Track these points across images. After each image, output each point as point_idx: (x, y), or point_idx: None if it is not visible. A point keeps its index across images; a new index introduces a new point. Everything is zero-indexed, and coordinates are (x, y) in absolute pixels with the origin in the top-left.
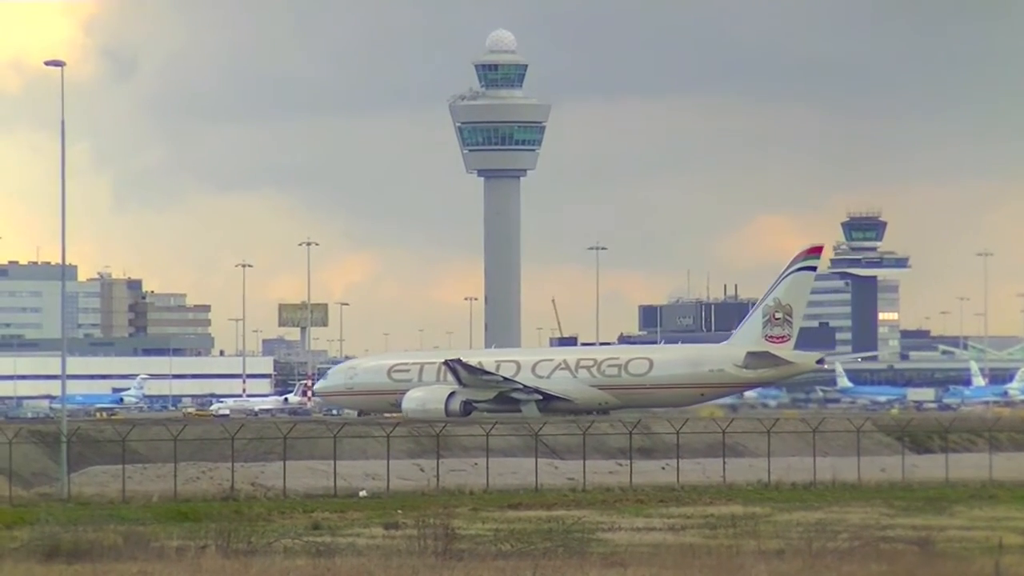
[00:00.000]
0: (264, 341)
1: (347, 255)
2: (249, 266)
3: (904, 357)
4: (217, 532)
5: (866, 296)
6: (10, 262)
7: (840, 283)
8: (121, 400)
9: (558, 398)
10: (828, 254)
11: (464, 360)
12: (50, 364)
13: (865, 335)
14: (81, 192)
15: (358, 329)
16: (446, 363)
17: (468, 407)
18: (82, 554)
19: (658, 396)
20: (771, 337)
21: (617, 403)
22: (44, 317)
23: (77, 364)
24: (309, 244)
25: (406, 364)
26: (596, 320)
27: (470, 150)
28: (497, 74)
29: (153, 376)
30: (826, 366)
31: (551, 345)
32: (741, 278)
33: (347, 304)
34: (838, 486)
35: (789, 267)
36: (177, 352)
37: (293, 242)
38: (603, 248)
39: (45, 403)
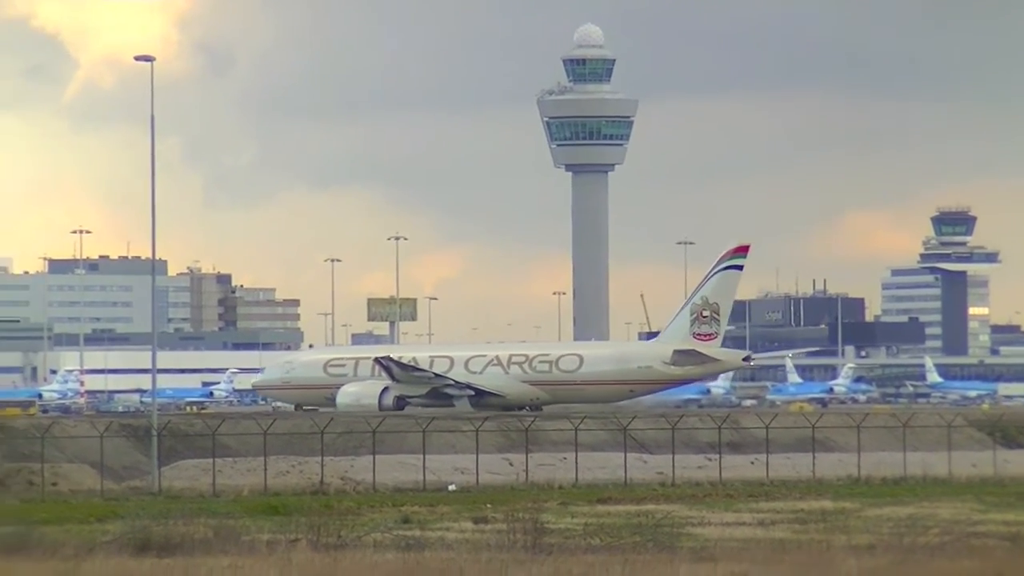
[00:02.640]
0: (353, 335)
1: (436, 250)
2: (338, 261)
3: (994, 352)
4: (307, 526)
5: (956, 291)
6: (101, 257)
7: (930, 278)
8: (211, 394)
9: (490, 393)
10: (917, 249)
11: (394, 357)
12: (141, 358)
13: (955, 330)
14: (172, 188)
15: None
16: (377, 360)
17: (401, 402)
18: (173, 548)
19: (588, 392)
20: (698, 335)
21: (548, 399)
22: (134, 312)
23: (167, 358)
24: (398, 239)
25: (342, 359)
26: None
27: (558, 145)
28: (585, 69)
29: (243, 370)
30: (752, 363)
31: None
32: (830, 273)
33: (436, 299)
34: (928, 481)
35: (716, 266)
36: (267, 346)
37: (382, 237)
38: (691, 243)
39: (136, 397)
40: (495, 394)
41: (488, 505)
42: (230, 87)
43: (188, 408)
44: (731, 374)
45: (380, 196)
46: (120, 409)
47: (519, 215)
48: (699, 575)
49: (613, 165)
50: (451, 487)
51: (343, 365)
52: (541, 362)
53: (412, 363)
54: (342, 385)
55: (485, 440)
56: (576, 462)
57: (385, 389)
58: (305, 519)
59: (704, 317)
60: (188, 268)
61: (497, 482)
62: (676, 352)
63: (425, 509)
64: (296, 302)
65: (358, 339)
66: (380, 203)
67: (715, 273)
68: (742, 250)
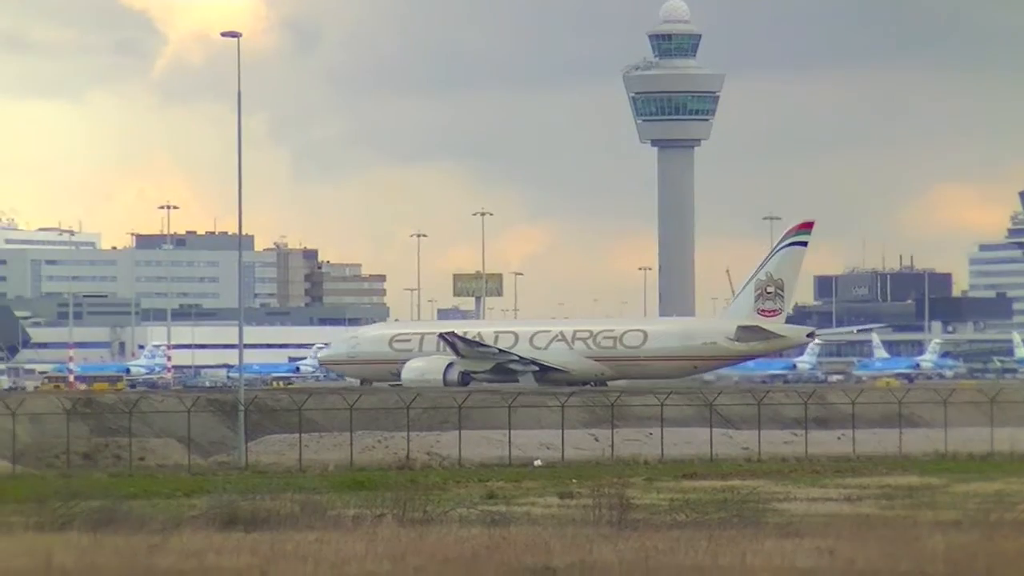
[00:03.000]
0: (439, 311)
1: (522, 226)
2: (424, 236)
3: None
4: (393, 501)
5: None
6: (188, 232)
7: (1018, 253)
8: (298, 369)
9: (555, 369)
10: (1006, 224)
11: (459, 333)
12: (227, 333)
13: None
14: (259, 163)
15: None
16: (441, 336)
17: (466, 377)
18: (259, 522)
19: (652, 368)
20: (763, 311)
21: (612, 374)
22: (221, 287)
23: (254, 333)
24: (484, 214)
25: (407, 334)
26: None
27: (644, 120)
28: (671, 44)
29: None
30: (817, 340)
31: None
32: (918, 248)
33: (521, 274)
34: (1016, 457)
35: (781, 242)
36: (353, 321)
37: (468, 212)
38: (777, 218)
39: (222, 372)
40: (559, 369)
41: (573, 480)
42: (317, 63)
43: (274, 383)
44: (817, 350)
45: (466, 171)
46: (207, 384)
47: (605, 190)
48: (785, 551)
49: (699, 140)
50: (536, 462)
51: (408, 340)
52: (605, 338)
53: (477, 339)
54: (407, 360)
55: (571, 415)
56: (662, 437)
57: (450, 364)
58: (391, 494)
59: (768, 293)
60: (275, 243)
61: (582, 457)
62: (740, 328)
63: (510, 484)
64: (382, 277)
65: (444, 314)
66: (466, 178)
67: (779, 249)
68: (806, 226)
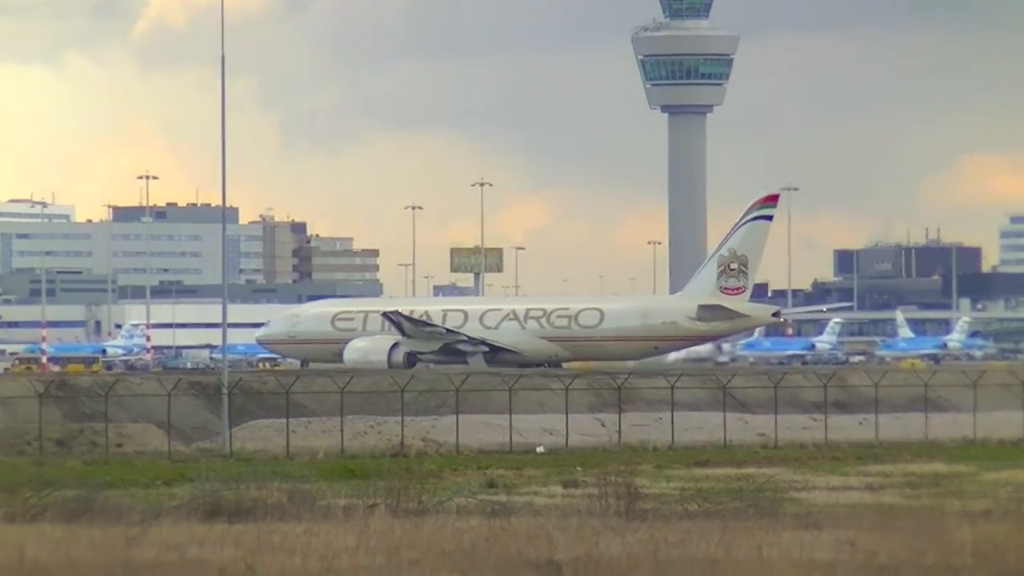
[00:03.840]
0: (436, 287)
1: (524, 197)
2: (420, 208)
3: None
4: (386, 490)
5: None
6: (168, 204)
7: None
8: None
9: (506, 350)
10: None
11: (403, 312)
12: (210, 312)
13: None
14: (245, 131)
15: (535, 275)
16: (385, 315)
17: (412, 358)
18: (244, 513)
19: (609, 349)
20: (726, 289)
21: (567, 356)
22: (204, 262)
23: (239, 312)
24: (483, 185)
25: (350, 312)
26: (788, 266)
27: (653, 85)
28: (682, 3)
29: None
30: (782, 319)
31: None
32: (944, 221)
33: (523, 249)
34: None
35: (744, 216)
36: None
37: (467, 183)
38: (795, 189)
39: (205, 353)
40: (511, 350)
41: (578, 468)
42: (309, 24)
43: (260, 365)
44: (837, 327)
45: (465, 139)
46: (188, 366)
47: (612, 159)
48: (803, 543)
49: (712, 106)
50: (539, 449)
51: (352, 319)
52: (560, 317)
53: (423, 318)
54: (349, 340)
55: (575, 399)
56: (672, 422)
57: (395, 345)
58: (384, 483)
59: (731, 270)
60: (261, 216)
61: (588, 444)
62: (702, 307)
63: (511, 472)
64: (375, 252)
65: (440, 291)
66: (465, 147)
67: (743, 224)
68: (771, 199)
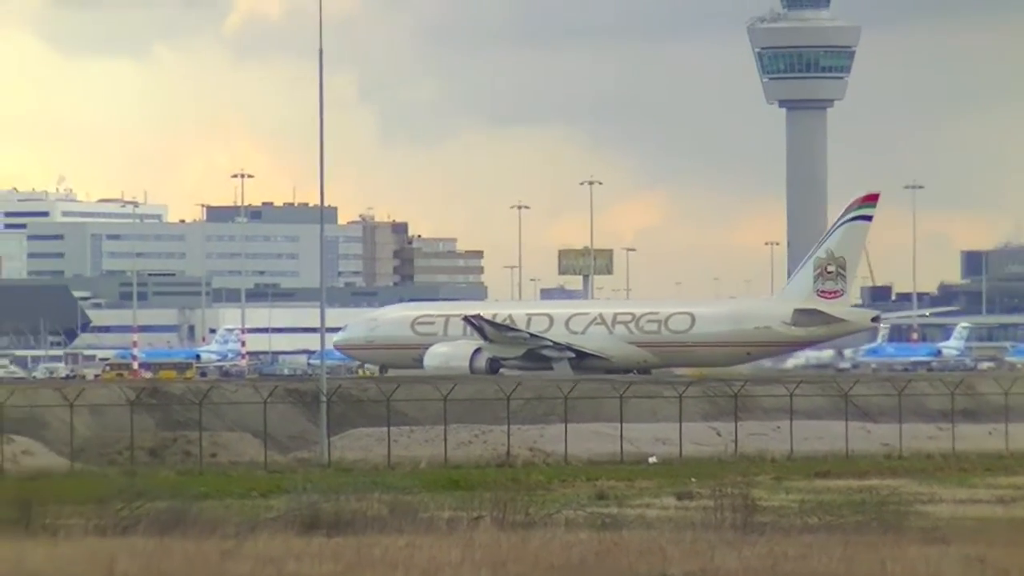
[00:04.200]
0: (542, 290)
1: (635, 196)
2: (526, 208)
3: None
4: (492, 502)
5: None
6: (264, 204)
7: None
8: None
9: (593, 355)
10: None
11: (485, 316)
12: (308, 316)
13: None
14: (344, 127)
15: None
16: (466, 319)
17: (495, 364)
18: (344, 525)
19: (700, 355)
20: (823, 292)
21: (657, 362)
22: (301, 264)
23: (337, 316)
24: (592, 183)
25: (431, 316)
26: (913, 267)
27: (771, 78)
28: None
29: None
30: (880, 324)
31: (862, 295)
32: None
33: (634, 250)
34: None
35: (843, 216)
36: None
37: (575, 181)
38: (920, 187)
39: (303, 359)
40: (598, 356)
41: (693, 479)
42: (411, 17)
43: (360, 371)
44: (965, 332)
45: (574, 136)
46: (285, 372)
47: (727, 156)
48: (929, 559)
49: (832, 100)
50: (651, 459)
51: (432, 323)
52: (649, 321)
53: (507, 322)
54: (430, 345)
55: (689, 407)
56: (791, 431)
57: (477, 350)
58: (489, 494)
59: (829, 273)
60: (360, 216)
61: (703, 454)
62: (797, 311)
63: (623, 484)
64: (479, 253)
65: (548, 294)
66: (574, 143)
67: (841, 224)
68: (871, 199)
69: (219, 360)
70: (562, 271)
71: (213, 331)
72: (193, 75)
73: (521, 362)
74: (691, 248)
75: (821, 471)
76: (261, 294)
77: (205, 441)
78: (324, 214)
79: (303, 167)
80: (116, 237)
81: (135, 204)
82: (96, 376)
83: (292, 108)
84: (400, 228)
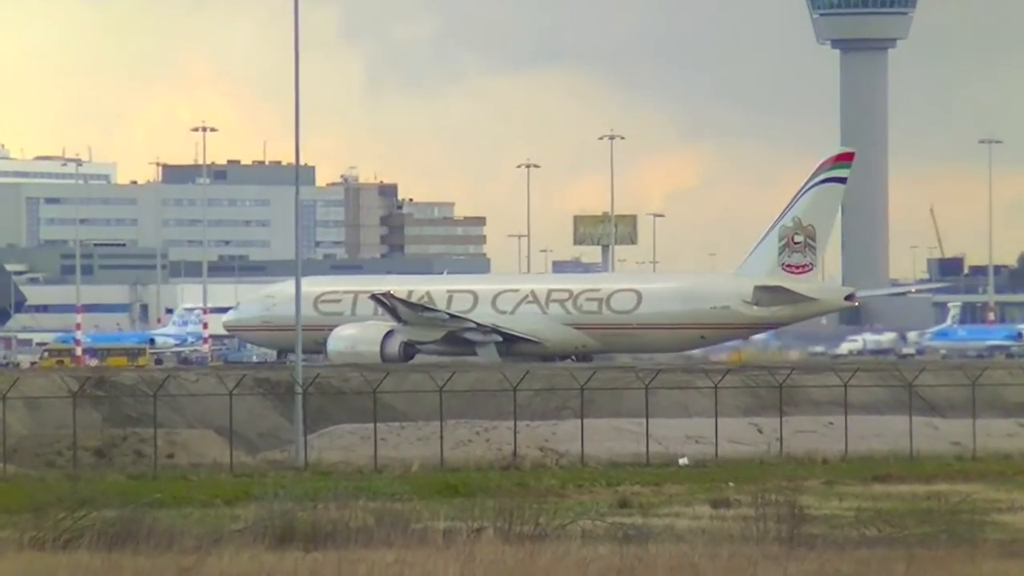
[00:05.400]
0: (555, 263)
1: (664, 153)
2: (536, 167)
3: None
4: (495, 511)
5: None
6: (230, 162)
7: None
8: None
9: (524, 339)
10: None
11: (397, 294)
12: None
13: None
14: (324, 72)
15: (677, 246)
16: (374, 297)
17: (410, 349)
18: (323, 538)
19: (648, 338)
20: (789, 266)
21: (598, 346)
22: (272, 233)
23: None
24: (612, 138)
25: (336, 293)
26: (988, 235)
27: (822, 15)
28: None
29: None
30: (856, 303)
31: (928, 268)
32: None
33: (662, 216)
34: None
35: (812, 178)
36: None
37: (594, 136)
38: (997, 142)
39: None
40: (529, 339)
41: (730, 484)
42: None
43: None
44: None
45: (592, 81)
46: (254, 359)
47: (772, 105)
48: (1008, 575)
49: (894, 40)
50: (682, 460)
51: (338, 300)
52: (588, 300)
53: (424, 300)
54: (335, 326)
55: (726, 400)
56: (845, 428)
57: (389, 333)
58: (492, 502)
59: (796, 244)
60: (342, 176)
61: (742, 454)
62: (759, 289)
63: (648, 489)
64: (481, 220)
65: (560, 267)
66: (593, 91)
67: (810, 187)
68: (845, 158)
69: (177, 345)
70: (578, 241)
71: (170, 311)
72: (147, 12)
73: (440, 346)
74: (728, 211)
75: (880, 475)
76: (226, 267)
77: (160, 440)
78: (299, 174)
79: (275, 120)
80: (56, 201)
81: (78, 162)
82: (33, 364)
83: (263, 52)
84: (388, 191)
